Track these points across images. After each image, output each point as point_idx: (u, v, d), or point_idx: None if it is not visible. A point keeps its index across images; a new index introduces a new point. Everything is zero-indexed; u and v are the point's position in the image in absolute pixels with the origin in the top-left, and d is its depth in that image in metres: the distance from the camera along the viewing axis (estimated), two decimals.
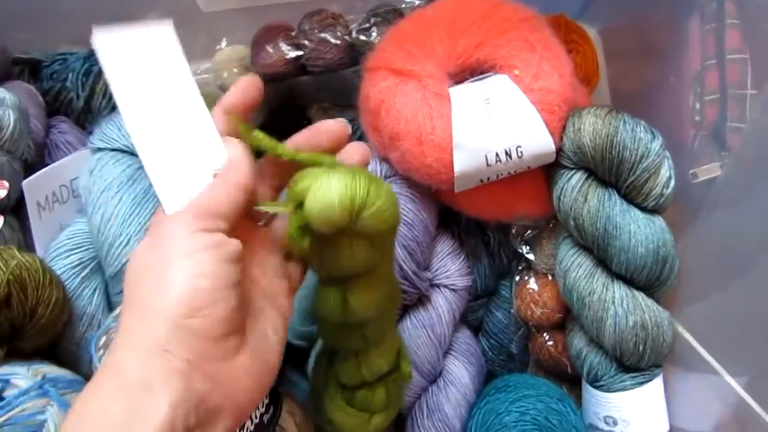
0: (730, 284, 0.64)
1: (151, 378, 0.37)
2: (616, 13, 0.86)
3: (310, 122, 0.71)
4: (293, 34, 0.76)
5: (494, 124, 0.61)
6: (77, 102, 0.72)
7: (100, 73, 0.70)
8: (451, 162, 0.61)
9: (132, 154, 0.64)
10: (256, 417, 0.58)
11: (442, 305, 0.72)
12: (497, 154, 0.61)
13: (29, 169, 0.65)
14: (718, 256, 0.66)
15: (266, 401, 0.60)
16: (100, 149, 0.65)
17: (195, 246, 0.40)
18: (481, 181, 0.63)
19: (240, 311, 0.42)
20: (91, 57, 0.72)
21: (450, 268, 0.73)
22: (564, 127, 0.65)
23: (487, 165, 0.61)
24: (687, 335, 0.69)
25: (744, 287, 0.62)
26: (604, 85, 0.85)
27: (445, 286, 0.73)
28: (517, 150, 0.61)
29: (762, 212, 0.59)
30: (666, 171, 0.63)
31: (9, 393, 0.51)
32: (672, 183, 0.63)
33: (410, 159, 0.63)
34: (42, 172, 0.65)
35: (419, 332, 0.71)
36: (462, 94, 0.63)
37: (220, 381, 0.40)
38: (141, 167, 0.62)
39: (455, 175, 0.61)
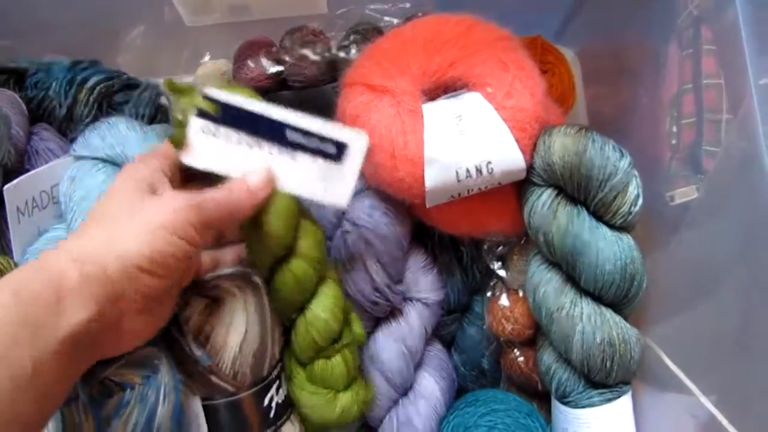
0: (702, 303, 0.65)
1: (83, 289, 0.43)
2: (594, 36, 0.88)
3: None
4: (274, 49, 0.77)
5: (465, 140, 0.62)
6: (60, 110, 0.72)
7: (83, 82, 0.71)
8: (423, 177, 0.62)
9: (113, 163, 0.65)
10: (283, 388, 0.65)
11: (414, 319, 0.73)
12: (468, 170, 0.62)
13: (9, 174, 0.66)
14: (690, 276, 0.67)
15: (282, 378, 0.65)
16: (81, 157, 0.66)
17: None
18: (452, 196, 0.64)
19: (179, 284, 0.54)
20: (75, 66, 0.72)
21: (422, 282, 0.74)
22: (535, 145, 0.65)
23: (458, 180, 0.62)
24: (659, 352, 0.69)
25: (715, 306, 0.63)
26: (582, 106, 0.86)
27: (418, 300, 0.74)
28: (487, 166, 0.62)
29: (732, 234, 0.60)
30: (634, 189, 0.63)
31: None
32: (639, 201, 0.64)
33: (383, 173, 0.64)
34: (23, 177, 0.65)
35: (391, 345, 0.72)
36: (435, 111, 0.64)
37: (123, 331, 0.47)
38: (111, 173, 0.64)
39: (426, 189, 0.62)
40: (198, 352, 0.57)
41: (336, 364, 0.63)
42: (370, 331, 0.72)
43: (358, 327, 0.65)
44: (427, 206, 0.65)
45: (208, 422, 0.60)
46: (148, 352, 0.55)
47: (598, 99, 0.88)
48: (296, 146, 0.58)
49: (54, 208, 0.68)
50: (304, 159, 0.58)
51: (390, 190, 0.65)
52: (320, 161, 0.58)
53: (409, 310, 0.73)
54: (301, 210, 0.61)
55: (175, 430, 0.55)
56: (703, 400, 0.63)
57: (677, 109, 0.69)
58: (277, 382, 0.64)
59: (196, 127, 0.55)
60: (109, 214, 0.49)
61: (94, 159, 0.65)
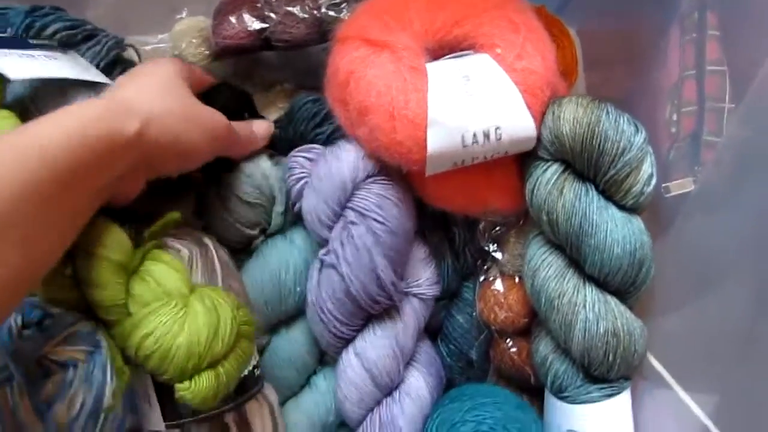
0: (697, 305, 0.62)
1: (133, 109, 0.52)
2: (595, 15, 0.85)
3: (251, 108, 0.75)
4: (259, 5, 0.72)
5: (473, 102, 0.58)
6: None
7: (42, 28, 0.66)
8: (425, 140, 0.57)
9: None
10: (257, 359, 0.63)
11: (410, 315, 0.69)
12: (474, 135, 0.57)
13: None
14: (685, 275, 0.64)
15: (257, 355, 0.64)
16: None
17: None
18: (455, 164, 0.60)
19: None
20: (33, 12, 0.67)
21: (421, 276, 0.70)
22: (543, 115, 0.62)
23: (463, 145, 0.58)
24: (650, 358, 0.66)
25: (711, 308, 0.60)
26: (582, 85, 0.84)
27: (414, 295, 0.70)
28: (495, 131, 0.58)
29: (733, 230, 0.57)
30: (648, 167, 0.60)
31: None
32: (653, 181, 0.61)
33: (379, 136, 0.59)
34: None
35: (382, 342, 0.67)
36: (439, 70, 0.60)
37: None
38: None
39: (428, 154, 0.58)
40: None
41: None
42: (360, 327, 0.68)
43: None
44: (427, 174, 0.60)
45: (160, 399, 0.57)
46: (86, 326, 0.52)
47: (596, 80, 0.86)
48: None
49: None
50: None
51: (386, 154, 0.60)
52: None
53: (404, 305, 0.69)
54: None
55: (127, 408, 0.54)
56: (697, 410, 0.60)
57: (678, 96, 0.66)
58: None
59: None
60: (158, 81, 0.58)
61: None
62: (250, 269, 0.70)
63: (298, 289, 0.69)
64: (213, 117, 0.61)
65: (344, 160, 0.64)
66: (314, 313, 0.66)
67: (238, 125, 0.65)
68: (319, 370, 0.74)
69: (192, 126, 0.57)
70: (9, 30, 0.66)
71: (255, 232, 0.70)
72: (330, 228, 0.65)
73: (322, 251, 0.65)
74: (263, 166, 0.69)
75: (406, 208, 0.65)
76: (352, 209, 0.63)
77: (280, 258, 0.70)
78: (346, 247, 0.63)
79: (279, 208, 0.70)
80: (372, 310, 0.65)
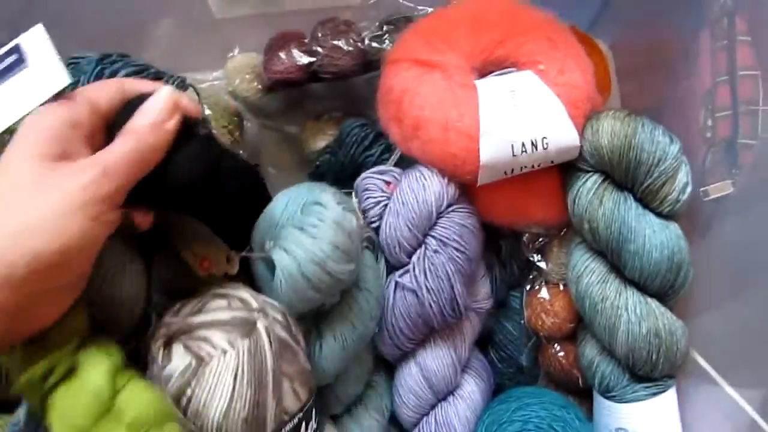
0: (739, 303, 0.63)
1: None
2: (626, 29, 0.87)
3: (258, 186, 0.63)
4: (306, 41, 0.76)
5: (521, 114, 0.61)
6: None
7: (111, 75, 0.69)
8: (477, 151, 0.61)
9: None
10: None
11: (467, 327, 0.71)
12: (523, 144, 0.61)
13: None
14: (726, 274, 0.66)
15: (314, 426, 0.58)
16: None
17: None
18: (505, 173, 0.63)
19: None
20: (103, 60, 0.71)
21: (481, 292, 0.73)
22: (583, 128, 0.65)
23: (513, 155, 0.61)
24: (696, 356, 0.68)
25: (753, 306, 0.62)
26: (616, 100, 0.86)
27: (472, 309, 0.72)
28: (543, 141, 0.61)
29: None
30: (683, 176, 0.63)
31: None
32: (688, 189, 0.63)
33: (433, 148, 0.63)
34: None
35: (442, 353, 0.69)
36: (487, 86, 0.63)
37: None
38: None
39: (481, 164, 0.61)
40: (178, 414, 0.50)
41: None
42: (422, 339, 0.70)
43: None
44: (479, 183, 0.63)
45: None
46: None
47: (631, 92, 0.87)
48: None
49: None
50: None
51: (440, 166, 0.64)
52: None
53: (464, 320, 0.71)
54: None
55: None
56: (743, 403, 0.62)
57: (712, 102, 0.68)
58: None
59: None
60: (9, 192, 0.40)
61: None
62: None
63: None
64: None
65: (430, 189, 0.64)
66: (383, 329, 0.68)
67: (130, 130, 0.46)
68: None
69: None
70: (82, 78, 0.71)
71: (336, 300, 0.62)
72: (410, 253, 0.66)
73: (399, 273, 0.66)
74: (354, 230, 0.58)
75: (480, 235, 0.67)
76: (435, 237, 0.65)
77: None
78: (427, 275, 0.64)
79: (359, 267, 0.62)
80: (439, 327, 0.67)
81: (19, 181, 0.40)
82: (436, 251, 0.64)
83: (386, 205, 0.67)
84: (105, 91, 0.48)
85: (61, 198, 0.40)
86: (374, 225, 0.68)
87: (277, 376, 0.53)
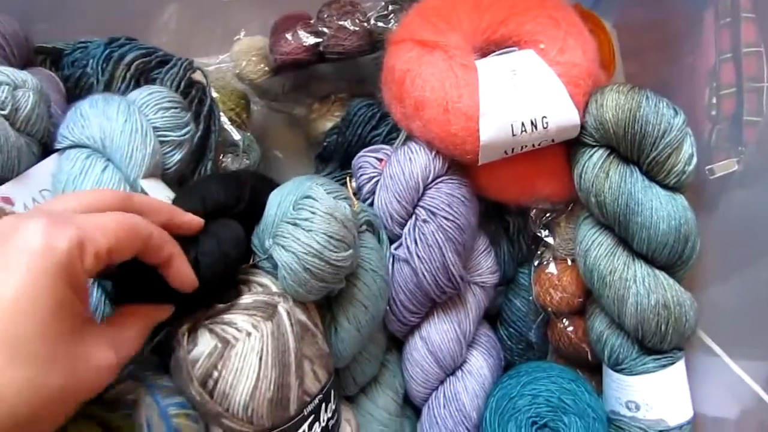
0: (744, 279, 0.64)
1: None
2: (630, 6, 0.87)
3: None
4: (312, 22, 0.77)
5: (520, 94, 0.61)
6: (97, 87, 0.71)
7: (120, 58, 0.70)
8: (477, 131, 0.61)
9: (83, 146, 0.61)
10: (323, 421, 0.58)
11: (471, 302, 0.72)
12: (523, 124, 0.61)
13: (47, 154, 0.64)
14: (730, 251, 0.67)
15: (333, 407, 0.59)
16: (59, 150, 0.62)
17: None
18: (506, 152, 0.64)
19: None
20: (111, 43, 0.71)
21: (483, 266, 0.73)
22: (587, 104, 0.65)
23: (513, 134, 0.61)
24: (700, 332, 0.69)
25: (758, 282, 0.62)
26: (620, 75, 0.85)
27: (476, 284, 0.73)
28: (542, 120, 0.61)
29: None
30: (688, 147, 0.63)
31: None
32: (694, 160, 0.63)
33: (434, 128, 0.63)
34: (18, 178, 0.60)
35: (445, 327, 0.70)
36: (488, 66, 0.63)
37: None
38: (90, 155, 0.60)
39: (481, 144, 0.61)
40: (205, 398, 0.51)
41: None
42: (426, 312, 0.71)
43: None
44: (480, 163, 0.63)
45: None
46: (120, 390, 0.50)
47: (634, 70, 0.87)
48: None
49: None
50: None
51: (441, 145, 0.64)
52: None
53: (466, 293, 0.72)
54: None
55: None
56: (745, 377, 0.63)
57: (716, 80, 0.68)
58: (314, 415, 0.57)
59: None
60: (27, 347, 0.36)
61: (68, 149, 0.62)
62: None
63: None
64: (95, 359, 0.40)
65: (416, 162, 0.66)
66: (388, 304, 0.69)
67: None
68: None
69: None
70: (91, 62, 0.71)
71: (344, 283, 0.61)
72: (402, 225, 0.68)
73: (394, 246, 0.68)
74: (348, 217, 0.59)
75: (471, 205, 0.68)
76: (424, 208, 0.66)
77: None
78: (418, 244, 0.66)
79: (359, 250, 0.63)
80: (439, 299, 0.68)
81: (40, 336, 0.37)
82: (425, 221, 0.66)
83: (378, 181, 0.69)
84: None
85: (79, 386, 0.39)
86: (368, 201, 0.70)
87: (298, 358, 0.54)
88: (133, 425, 0.48)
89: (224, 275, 0.54)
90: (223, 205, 0.56)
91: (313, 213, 0.56)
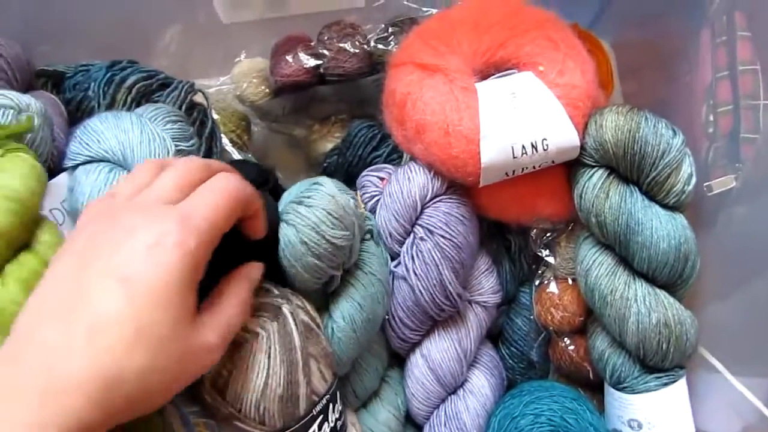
0: (744, 296, 0.65)
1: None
2: (627, 26, 0.88)
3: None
4: (312, 44, 0.77)
5: (520, 116, 0.62)
6: (99, 110, 0.71)
7: (121, 81, 0.70)
8: (478, 153, 0.61)
9: (102, 160, 0.62)
10: (332, 421, 0.58)
11: (472, 321, 0.72)
12: (523, 146, 0.61)
13: (52, 176, 0.64)
14: (730, 269, 0.67)
15: (339, 408, 0.60)
16: (74, 167, 0.63)
17: None
18: (507, 174, 0.64)
19: None
20: (112, 66, 0.72)
21: (484, 285, 0.73)
22: (586, 125, 0.65)
23: (513, 157, 0.62)
24: (702, 350, 0.69)
25: (758, 299, 0.63)
26: (619, 94, 0.86)
27: (477, 303, 0.73)
28: (542, 143, 0.62)
29: None
30: (687, 167, 0.63)
31: None
32: (693, 180, 0.63)
33: (435, 151, 0.64)
34: None
35: (446, 345, 0.71)
36: (488, 89, 0.64)
37: None
38: (113, 169, 0.60)
39: (482, 166, 0.62)
40: (217, 400, 0.52)
41: None
42: (427, 331, 0.71)
43: None
44: (481, 185, 0.64)
45: None
46: None
47: (632, 89, 0.88)
48: None
49: (70, 224, 0.64)
50: None
51: (443, 168, 0.65)
52: None
53: (467, 312, 0.72)
54: None
55: None
56: (747, 394, 0.63)
57: (713, 98, 0.69)
58: (322, 415, 0.58)
59: None
60: (156, 331, 0.38)
61: (85, 164, 0.62)
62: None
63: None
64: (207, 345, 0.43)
65: (414, 182, 0.67)
66: (386, 320, 0.70)
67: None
68: None
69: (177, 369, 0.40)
70: (92, 84, 0.71)
71: (340, 272, 0.63)
72: (401, 243, 0.68)
73: (393, 263, 0.69)
74: (350, 206, 0.62)
75: (470, 224, 0.68)
76: (422, 226, 0.67)
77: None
78: (415, 261, 0.66)
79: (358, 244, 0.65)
80: (438, 317, 0.69)
81: (166, 323, 0.39)
82: (422, 239, 0.66)
83: (379, 200, 0.70)
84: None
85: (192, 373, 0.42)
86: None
87: (305, 356, 0.55)
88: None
89: (275, 234, 0.57)
90: (254, 182, 0.56)
91: (317, 191, 0.59)
